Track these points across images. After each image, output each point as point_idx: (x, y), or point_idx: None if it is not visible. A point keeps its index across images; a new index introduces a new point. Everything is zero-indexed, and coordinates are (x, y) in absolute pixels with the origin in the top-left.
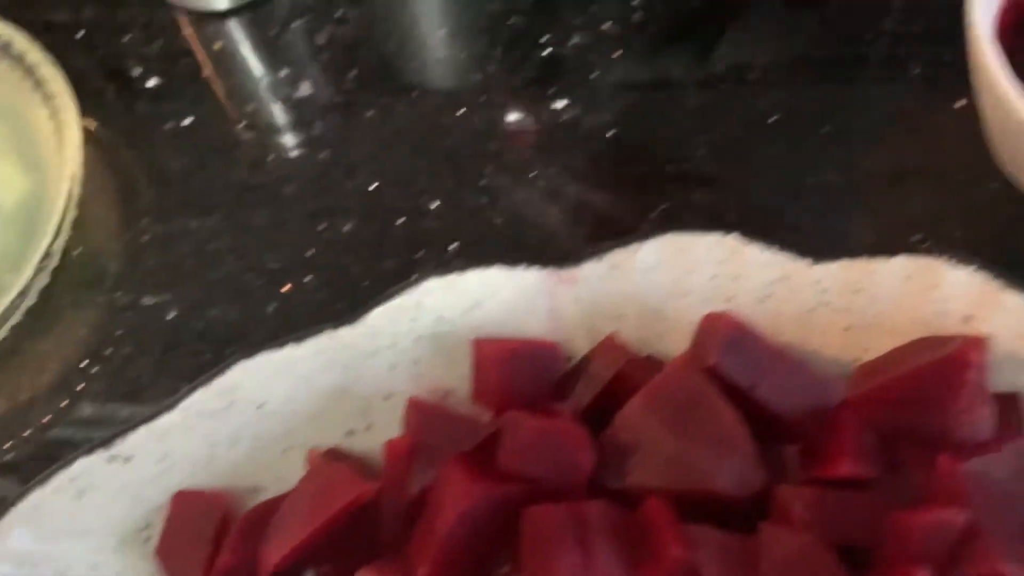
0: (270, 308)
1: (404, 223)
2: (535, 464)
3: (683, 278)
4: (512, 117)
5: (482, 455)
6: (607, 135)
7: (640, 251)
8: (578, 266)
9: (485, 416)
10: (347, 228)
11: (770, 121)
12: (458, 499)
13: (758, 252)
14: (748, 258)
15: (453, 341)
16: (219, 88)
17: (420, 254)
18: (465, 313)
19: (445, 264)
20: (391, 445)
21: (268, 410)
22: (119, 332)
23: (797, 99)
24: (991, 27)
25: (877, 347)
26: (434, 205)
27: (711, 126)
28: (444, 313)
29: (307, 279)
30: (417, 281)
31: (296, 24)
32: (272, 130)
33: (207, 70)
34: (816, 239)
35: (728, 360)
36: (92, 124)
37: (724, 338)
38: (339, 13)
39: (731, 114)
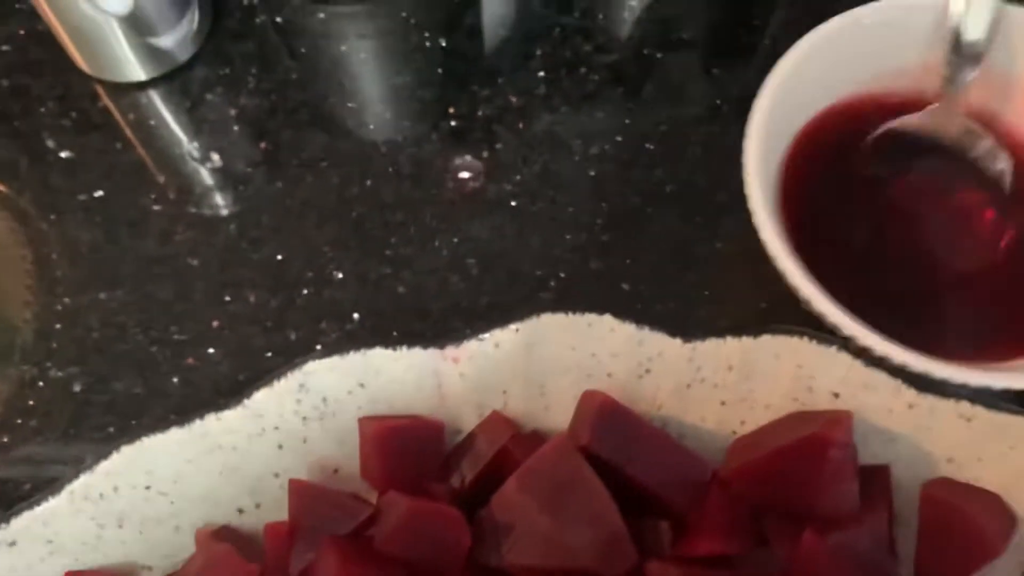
0: (175, 380)
1: (308, 294)
2: (411, 546)
3: (564, 355)
4: (418, 188)
5: (360, 536)
6: (511, 204)
7: (520, 330)
8: (460, 345)
9: (374, 495)
10: (252, 299)
11: (667, 190)
12: None
13: (633, 330)
14: (623, 336)
15: (341, 420)
16: (132, 160)
17: (323, 325)
18: (350, 393)
19: (347, 335)
20: (269, 528)
21: (155, 491)
22: (27, 404)
23: (691, 168)
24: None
25: (753, 420)
26: (339, 276)
27: (609, 195)
28: (328, 394)
29: (211, 351)
30: (299, 364)
31: (210, 96)
32: (181, 202)
33: (120, 142)
34: (701, 311)
35: (599, 439)
36: (5, 194)
37: (596, 417)
38: (252, 84)
39: (628, 184)
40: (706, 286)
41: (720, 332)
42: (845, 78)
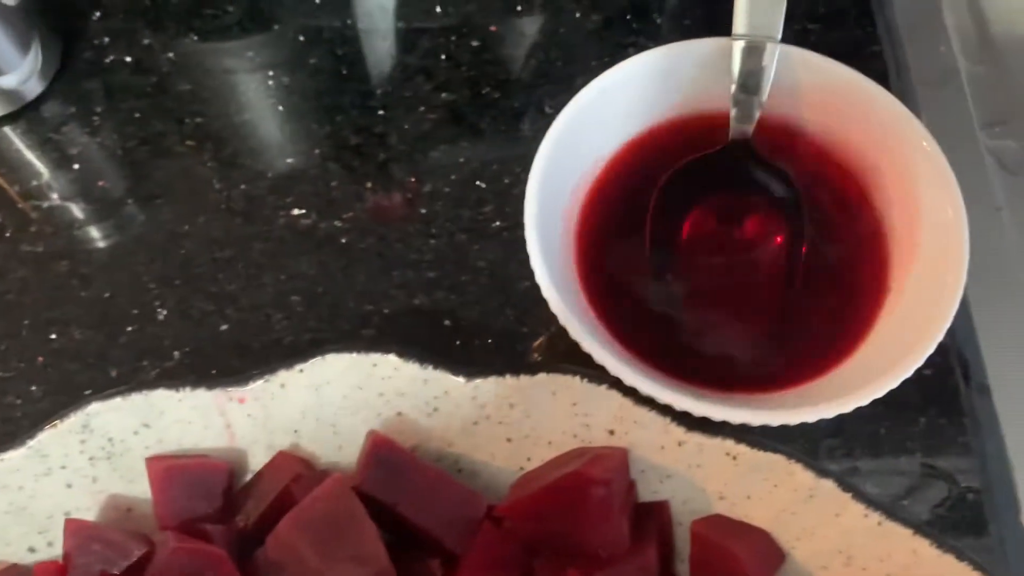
0: None
1: (132, 331)
2: None
3: (352, 394)
4: (249, 224)
5: None
6: (341, 241)
7: (305, 371)
8: (246, 386)
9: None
10: (78, 336)
11: (493, 225)
12: None
13: (417, 369)
14: (407, 375)
15: (130, 459)
16: None
17: (144, 362)
18: (136, 433)
19: (166, 372)
20: (39, 568)
21: None
22: None
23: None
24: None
25: (538, 457)
26: (163, 314)
27: (438, 232)
28: (113, 434)
29: (33, 388)
30: (81, 405)
31: (54, 135)
32: (17, 240)
33: None
34: (519, 346)
35: (371, 478)
36: None
37: (367, 457)
38: (96, 122)
39: (457, 221)
40: (524, 323)
41: (500, 370)
42: (635, 122)
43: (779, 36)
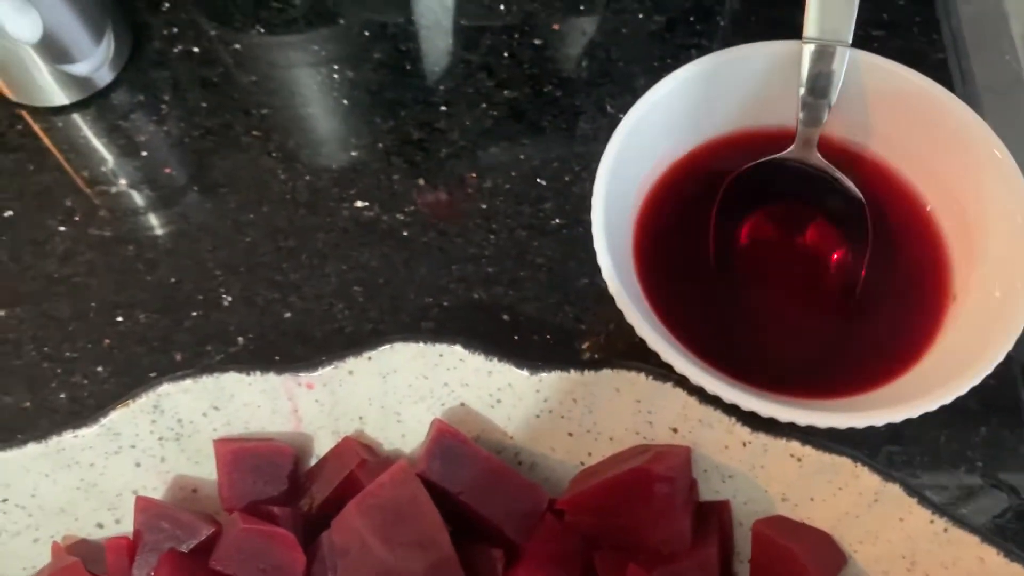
0: (63, 396)
1: (196, 316)
2: (243, 565)
3: (417, 383)
4: (313, 215)
5: (199, 555)
6: (402, 234)
7: (373, 358)
8: (314, 372)
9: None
10: (143, 319)
11: (553, 223)
12: None
13: (482, 361)
14: (472, 366)
15: (198, 441)
16: (43, 182)
17: (208, 347)
18: (204, 415)
19: (231, 358)
20: (111, 543)
21: (12, 504)
22: None
23: (578, 205)
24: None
25: (599, 452)
26: (228, 300)
27: (498, 228)
28: (183, 415)
29: (99, 369)
30: (153, 385)
31: (123, 122)
32: (85, 224)
33: (34, 164)
34: (576, 343)
35: (435, 466)
36: None
37: (432, 445)
38: (164, 111)
39: (518, 217)
40: (582, 320)
41: (563, 366)
42: (699, 124)
43: (850, 40)
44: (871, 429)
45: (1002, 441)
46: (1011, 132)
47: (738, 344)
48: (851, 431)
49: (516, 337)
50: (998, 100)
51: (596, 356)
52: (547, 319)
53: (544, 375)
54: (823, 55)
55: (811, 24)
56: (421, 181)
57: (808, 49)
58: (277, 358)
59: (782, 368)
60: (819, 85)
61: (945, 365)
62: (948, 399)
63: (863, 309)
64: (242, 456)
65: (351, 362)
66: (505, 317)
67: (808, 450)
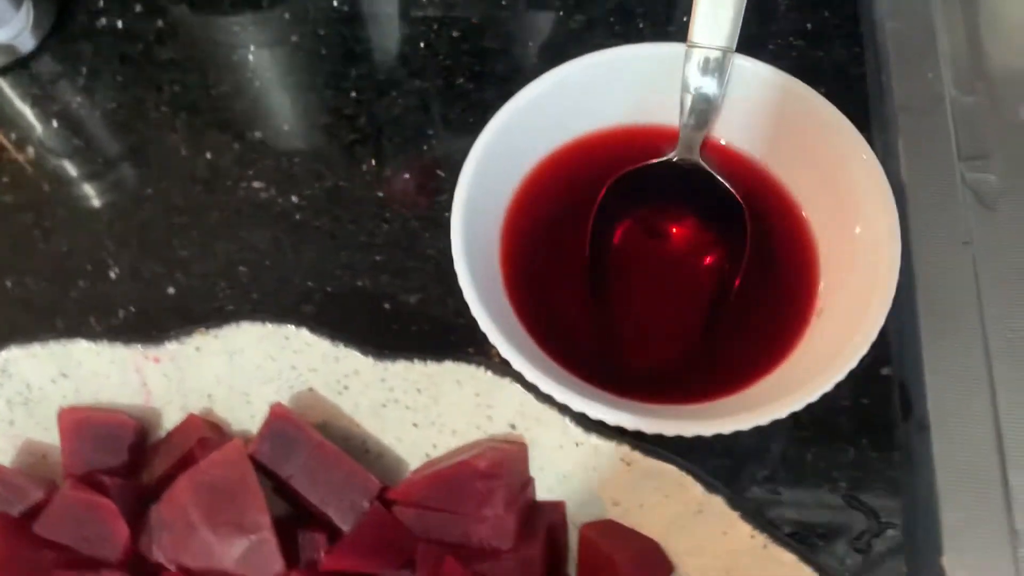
0: None
1: (84, 287)
2: (69, 533)
3: (266, 365)
4: (210, 194)
5: (28, 519)
6: (295, 217)
7: (219, 336)
8: (161, 346)
9: None
10: (31, 286)
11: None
12: None
13: (328, 346)
14: (319, 351)
15: (47, 408)
16: None
17: (91, 318)
18: (53, 382)
19: (111, 330)
20: None
21: None
22: None
23: None
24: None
25: (443, 444)
26: (116, 273)
27: (392, 217)
28: (31, 381)
29: None
30: (0, 348)
31: (38, 91)
32: None
33: None
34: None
35: (266, 449)
36: None
37: (267, 429)
38: (80, 83)
39: (414, 207)
40: (462, 314)
41: (408, 355)
42: (579, 123)
43: (734, 46)
44: (732, 445)
45: (869, 463)
46: (925, 151)
47: (602, 349)
48: (716, 442)
49: (394, 327)
50: (917, 118)
51: (471, 350)
52: (428, 312)
53: (389, 364)
54: (708, 60)
55: (697, 28)
56: (321, 166)
57: (694, 53)
58: (154, 332)
59: (645, 374)
60: (704, 90)
61: (802, 372)
62: (793, 407)
63: (732, 316)
64: (84, 425)
65: (197, 338)
66: (386, 306)
67: (637, 455)
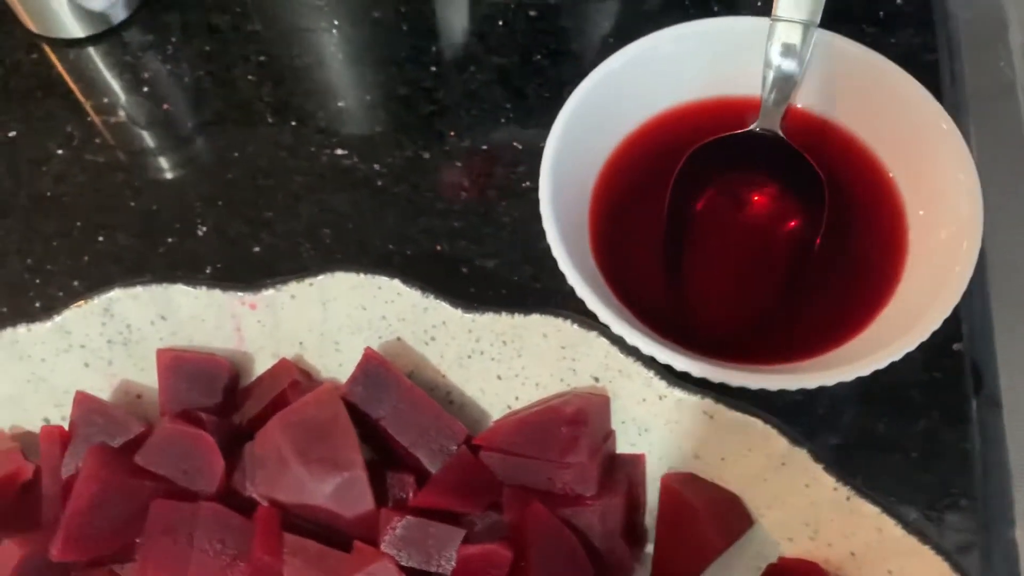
0: (37, 305)
1: (172, 243)
2: (168, 465)
3: (356, 314)
4: (293, 158)
5: (129, 451)
6: (376, 183)
7: (315, 284)
8: (258, 293)
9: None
10: (122, 242)
11: (524, 185)
12: (88, 484)
13: (418, 297)
14: (409, 302)
15: (144, 348)
16: (48, 107)
17: (178, 272)
18: (152, 324)
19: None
20: (45, 431)
21: None
22: None
23: None
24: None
25: (526, 396)
26: (202, 231)
27: (470, 186)
28: (132, 322)
29: (75, 283)
30: (105, 289)
31: (130, 58)
32: (83, 148)
33: (42, 90)
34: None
35: (359, 391)
36: None
37: (360, 372)
38: (170, 51)
39: (490, 178)
40: (539, 279)
41: (495, 308)
42: (663, 94)
43: (818, 20)
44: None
45: (941, 435)
46: (996, 137)
47: (686, 311)
48: (790, 409)
49: (472, 290)
50: (987, 105)
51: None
52: (505, 275)
53: (476, 316)
54: (791, 34)
55: (783, 3)
56: (402, 136)
57: (777, 27)
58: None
59: (728, 334)
60: (786, 63)
61: (885, 336)
62: (876, 366)
63: (813, 280)
64: (181, 364)
65: (293, 286)
66: (464, 270)
67: (720, 408)
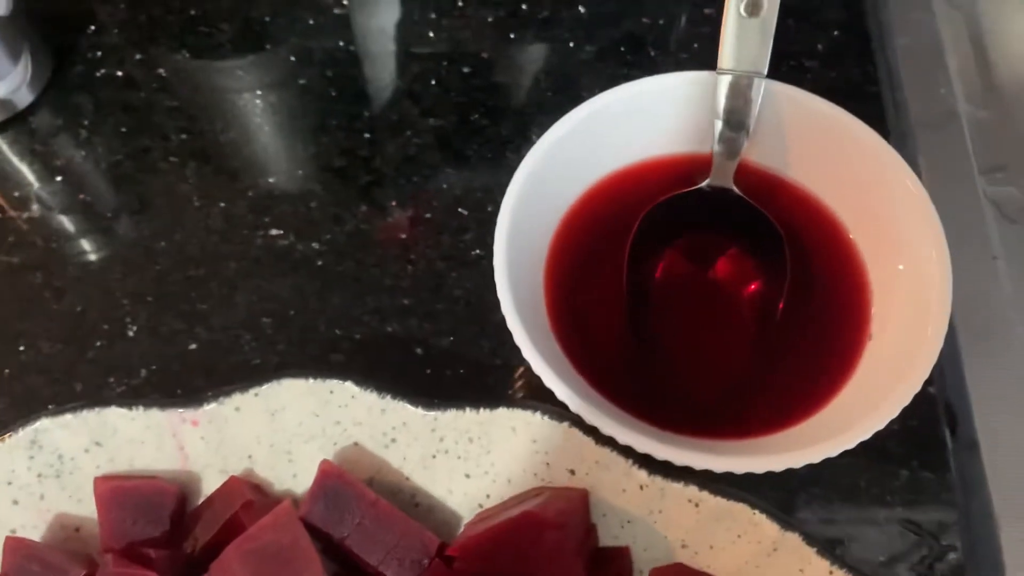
0: None
1: (101, 347)
2: None
3: (308, 421)
4: (226, 243)
5: None
6: (317, 263)
7: (260, 394)
8: (199, 408)
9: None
10: (46, 350)
11: (473, 253)
12: None
13: (375, 398)
14: (365, 404)
15: (79, 478)
16: None
17: (110, 379)
18: (87, 451)
19: (132, 390)
20: None
21: None
22: None
23: None
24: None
25: (497, 494)
26: (133, 330)
27: (417, 258)
28: (63, 452)
29: None
30: (31, 420)
31: (40, 146)
32: None
33: None
34: (490, 378)
35: (319, 510)
36: None
37: (318, 489)
38: (83, 136)
39: (437, 247)
40: (498, 354)
41: (459, 404)
42: (612, 155)
43: (765, 71)
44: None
45: (923, 485)
46: (944, 166)
47: (649, 384)
48: (759, 476)
49: (428, 371)
50: (932, 134)
51: (509, 392)
52: (462, 353)
53: (439, 413)
54: (738, 86)
55: (726, 55)
56: (340, 210)
57: (723, 80)
58: (179, 391)
59: (694, 407)
60: (735, 116)
61: (857, 406)
62: (850, 444)
63: (777, 348)
64: (122, 495)
65: (237, 398)
66: (418, 351)
67: (705, 495)
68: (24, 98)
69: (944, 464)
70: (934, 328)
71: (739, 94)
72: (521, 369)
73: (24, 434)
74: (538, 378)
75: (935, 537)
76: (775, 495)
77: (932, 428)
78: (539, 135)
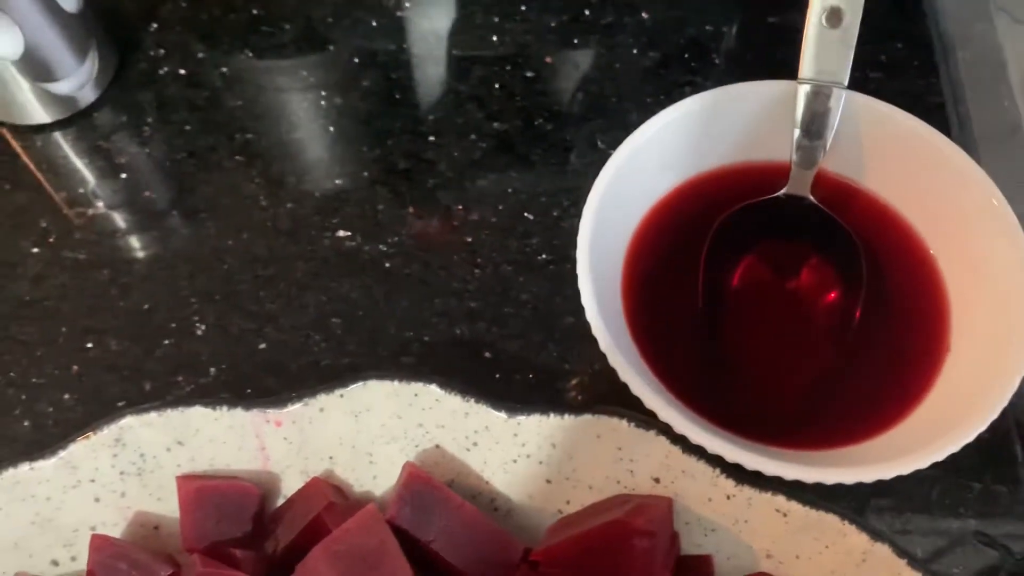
0: (26, 423)
1: (168, 345)
2: None
3: (391, 423)
4: (293, 244)
5: None
6: (384, 265)
7: (345, 396)
8: (284, 408)
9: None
10: (114, 347)
11: (540, 258)
12: None
13: (459, 402)
14: (448, 407)
15: (161, 477)
16: (18, 201)
17: (179, 377)
18: (168, 450)
19: (201, 389)
20: None
21: None
22: None
23: (567, 240)
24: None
25: (578, 500)
26: (201, 329)
27: (483, 262)
28: (145, 450)
29: (66, 396)
30: (115, 418)
31: (104, 143)
32: (60, 246)
33: (10, 183)
34: (559, 383)
35: (406, 513)
36: None
37: (402, 490)
38: (147, 133)
39: (503, 251)
40: (567, 359)
41: (543, 409)
42: (692, 162)
43: (846, 81)
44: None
45: (996, 497)
46: (1008, 179)
47: (727, 391)
48: (836, 485)
49: (497, 375)
50: (995, 147)
51: (580, 397)
52: (530, 358)
53: (523, 418)
54: (818, 96)
55: (807, 64)
56: (406, 212)
57: (803, 89)
58: (249, 390)
59: (772, 417)
60: (814, 126)
61: (939, 420)
62: (940, 456)
63: (856, 359)
64: (205, 495)
65: (322, 399)
66: (487, 354)
67: (794, 505)
68: (88, 96)
69: (1017, 478)
70: (1016, 348)
71: (819, 104)
72: (587, 375)
73: (109, 432)
74: (609, 385)
75: (1009, 550)
76: (846, 503)
77: (1005, 442)
78: (603, 141)
